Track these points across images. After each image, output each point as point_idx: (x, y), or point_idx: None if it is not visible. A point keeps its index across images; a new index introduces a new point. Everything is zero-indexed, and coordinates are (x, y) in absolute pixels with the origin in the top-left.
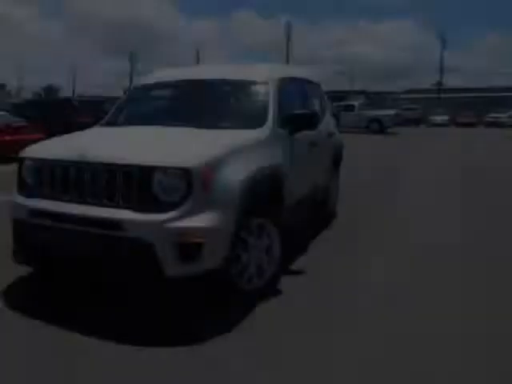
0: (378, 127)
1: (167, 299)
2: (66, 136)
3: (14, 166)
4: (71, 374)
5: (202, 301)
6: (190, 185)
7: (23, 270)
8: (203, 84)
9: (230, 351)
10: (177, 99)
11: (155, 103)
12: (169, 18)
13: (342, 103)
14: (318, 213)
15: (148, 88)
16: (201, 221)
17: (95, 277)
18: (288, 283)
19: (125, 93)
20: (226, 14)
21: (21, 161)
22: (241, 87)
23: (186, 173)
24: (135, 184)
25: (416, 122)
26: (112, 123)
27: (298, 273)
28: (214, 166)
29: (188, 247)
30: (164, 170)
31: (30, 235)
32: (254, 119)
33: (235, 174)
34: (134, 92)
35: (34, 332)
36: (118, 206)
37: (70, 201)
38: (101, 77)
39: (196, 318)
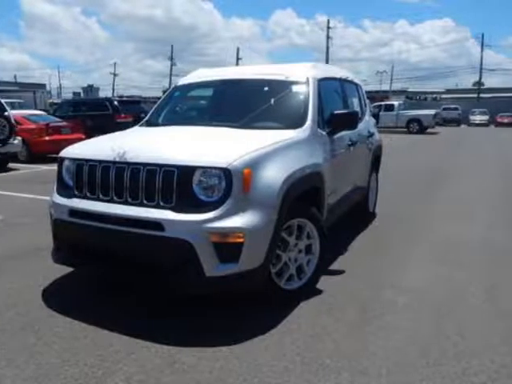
0: (418, 127)
1: (204, 298)
2: (105, 136)
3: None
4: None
5: (242, 301)
6: (229, 185)
7: (62, 270)
8: (242, 84)
9: (270, 353)
10: (216, 99)
11: (195, 103)
12: (208, 18)
13: (381, 103)
14: (358, 213)
15: (187, 88)
16: (240, 221)
17: (135, 277)
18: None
19: (164, 93)
20: (265, 13)
21: (60, 161)
22: (280, 87)
23: (225, 173)
24: (175, 184)
25: (456, 121)
26: (152, 123)
27: (337, 273)
28: (253, 166)
29: (227, 247)
30: (204, 170)
31: (70, 235)
32: (294, 119)
33: (275, 175)
34: (173, 92)
35: (75, 333)
36: (157, 206)
37: (109, 201)
38: (140, 77)
39: (236, 319)
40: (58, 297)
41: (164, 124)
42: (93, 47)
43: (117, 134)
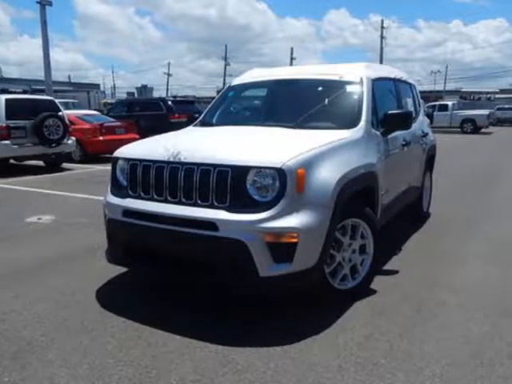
0: (472, 127)
1: (257, 298)
2: (159, 136)
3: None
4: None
5: (296, 301)
6: (283, 185)
7: (116, 270)
8: (296, 84)
9: (324, 353)
10: (270, 99)
11: (248, 103)
12: (262, 18)
13: (435, 103)
14: (412, 213)
15: (241, 88)
16: (294, 221)
17: (188, 277)
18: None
19: (218, 93)
20: (319, 13)
21: (114, 161)
22: (334, 87)
23: (279, 173)
24: (229, 184)
25: (510, 121)
26: (206, 123)
27: (391, 273)
28: (307, 166)
29: (282, 247)
30: (258, 170)
31: (124, 235)
32: (348, 119)
33: (329, 175)
34: (227, 92)
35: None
36: (211, 206)
37: (163, 201)
38: (194, 77)
39: (290, 319)
40: (112, 297)
41: (218, 124)
42: (147, 47)
43: (171, 133)
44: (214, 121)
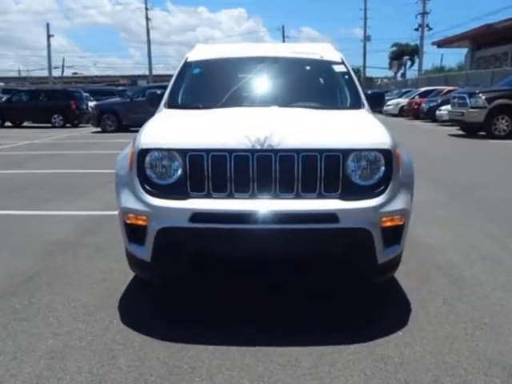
0: None
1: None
2: (186, 121)
3: None
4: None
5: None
6: (390, 166)
7: None
8: (282, 62)
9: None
10: (261, 78)
11: (230, 82)
12: None
13: None
14: None
15: (210, 65)
16: (403, 203)
17: (294, 278)
18: None
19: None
20: None
21: (142, 154)
22: (325, 68)
23: (386, 154)
24: (341, 170)
25: None
26: (184, 105)
27: None
28: (397, 145)
29: (392, 230)
30: (367, 152)
31: (194, 244)
32: (353, 100)
33: (405, 153)
34: (191, 70)
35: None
36: (321, 197)
37: (250, 197)
38: None
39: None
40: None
41: (207, 106)
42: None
43: (207, 117)
44: (201, 104)
